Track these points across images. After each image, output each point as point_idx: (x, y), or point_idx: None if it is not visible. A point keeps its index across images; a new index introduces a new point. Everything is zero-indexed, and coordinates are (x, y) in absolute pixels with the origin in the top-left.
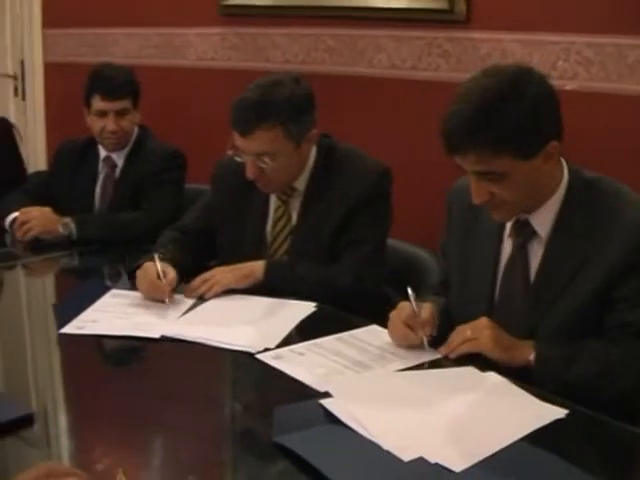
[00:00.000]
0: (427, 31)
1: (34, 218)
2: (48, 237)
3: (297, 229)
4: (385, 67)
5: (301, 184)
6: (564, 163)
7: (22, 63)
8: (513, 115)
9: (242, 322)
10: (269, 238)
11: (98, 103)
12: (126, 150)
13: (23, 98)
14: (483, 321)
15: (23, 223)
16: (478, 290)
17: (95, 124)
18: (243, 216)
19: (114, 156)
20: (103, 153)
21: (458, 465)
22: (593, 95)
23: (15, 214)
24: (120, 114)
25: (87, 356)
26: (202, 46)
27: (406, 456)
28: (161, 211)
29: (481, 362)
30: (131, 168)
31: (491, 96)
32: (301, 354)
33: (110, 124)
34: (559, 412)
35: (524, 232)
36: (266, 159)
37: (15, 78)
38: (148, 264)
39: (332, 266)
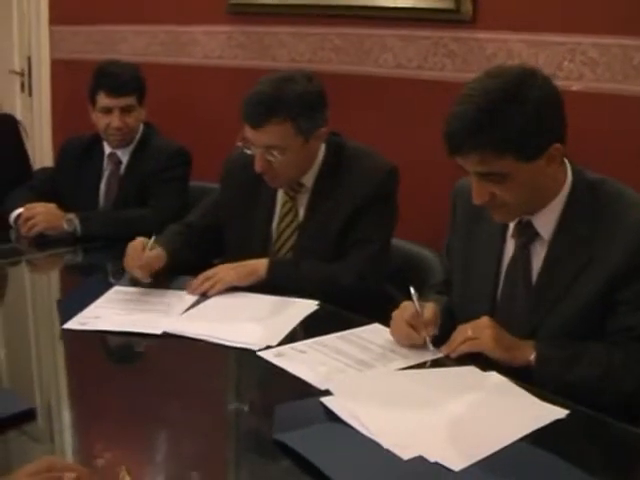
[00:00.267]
0: (433, 31)
1: (39, 214)
2: (52, 233)
3: (304, 226)
4: (391, 66)
5: (309, 180)
6: (568, 165)
7: (29, 60)
8: (516, 117)
9: (244, 319)
10: (275, 234)
11: (103, 100)
12: (131, 147)
13: (30, 94)
14: (484, 320)
15: (28, 219)
16: (480, 289)
17: (100, 121)
18: (251, 211)
19: (119, 153)
20: (108, 150)
21: (457, 464)
22: (599, 96)
23: (20, 210)
24: (125, 111)
25: (90, 352)
26: (209, 44)
27: (406, 455)
28: (167, 208)
29: (482, 362)
30: (136, 165)
31: (494, 98)
32: (303, 352)
33: (115, 121)
34: (560, 412)
35: (526, 233)
36: (275, 152)
37: (22, 74)
38: (139, 238)
39: (335, 264)
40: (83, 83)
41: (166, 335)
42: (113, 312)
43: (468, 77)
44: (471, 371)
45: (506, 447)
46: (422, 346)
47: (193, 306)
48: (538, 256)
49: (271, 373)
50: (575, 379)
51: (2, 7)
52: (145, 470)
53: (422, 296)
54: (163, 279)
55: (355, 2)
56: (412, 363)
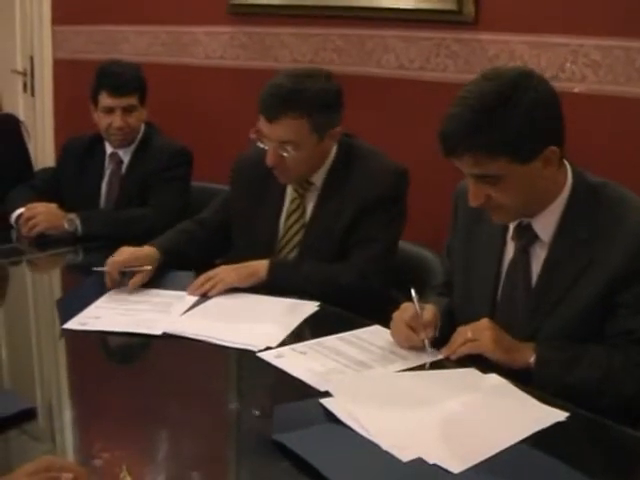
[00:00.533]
0: (435, 32)
1: (40, 214)
2: (53, 233)
3: (310, 223)
4: (393, 67)
5: (318, 179)
6: (568, 167)
7: (31, 59)
8: (510, 120)
9: (244, 320)
10: (282, 230)
11: (105, 99)
12: (132, 147)
13: (32, 94)
14: (484, 322)
15: (29, 219)
16: (481, 291)
17: (102, 120)
18: (259, 208)
19: (120, 152)
20: (109, 149)
21: (456, 466)
22: (601, 98)
23: (21, 210)
24: (127, 110)
25: (90, 352)
26: (211, 45)
27: (405, 456)
28: (169, 208)
29: (482, 363)
30: (137, 165)
31: (488, 100)
32: (303, 353)
33: (117, 120)
34: (560, 415)
35: (526, 236)
36: (288, 148)
37: (24, 74)
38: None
39: (337, 264)
40: (85, 83)
41: (166, 335)
42: (113, 312)
43: (470, 78)
44: (471, 373)
45: (506, 449)
46: (421, 348)
47: (193, 307)
48: (538, 258)
49: (271, 374)
50: (575, 381)
51: (5, 7)
52: (145, 470)
53: (423, 297)
54: (163, 279)
55: (357, 3)
56: (412, 365)
